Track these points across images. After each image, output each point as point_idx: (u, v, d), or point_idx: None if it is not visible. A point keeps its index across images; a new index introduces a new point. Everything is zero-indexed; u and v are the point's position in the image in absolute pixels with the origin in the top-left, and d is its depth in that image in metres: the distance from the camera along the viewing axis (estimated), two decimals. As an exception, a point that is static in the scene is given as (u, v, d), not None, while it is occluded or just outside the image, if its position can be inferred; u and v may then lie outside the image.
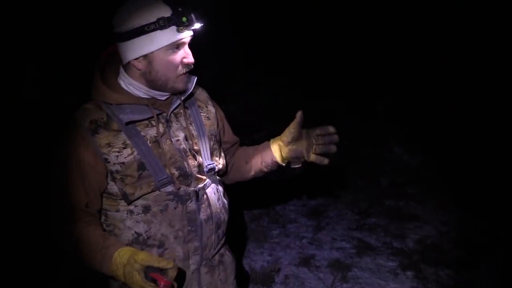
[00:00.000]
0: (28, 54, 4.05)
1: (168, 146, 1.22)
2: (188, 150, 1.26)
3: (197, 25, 1.17)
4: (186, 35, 1.17)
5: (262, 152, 1.47)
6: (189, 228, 1.23)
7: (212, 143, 1.33)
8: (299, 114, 1.35)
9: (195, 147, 1.27)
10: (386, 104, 5.34)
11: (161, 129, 1.22)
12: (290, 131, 1.38)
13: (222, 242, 1.38)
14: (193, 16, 1.15)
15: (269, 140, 1.48)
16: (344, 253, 2.99)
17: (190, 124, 1.29)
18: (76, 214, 1.17)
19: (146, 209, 1.19)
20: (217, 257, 1.37)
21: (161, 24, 1.12)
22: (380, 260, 2.90)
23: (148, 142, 1.19)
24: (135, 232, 1.20)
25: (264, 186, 3.69)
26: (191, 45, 1.22)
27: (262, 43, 5.78)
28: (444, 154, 4.30)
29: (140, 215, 1.19)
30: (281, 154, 1.43)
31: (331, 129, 1.36)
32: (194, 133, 1.29)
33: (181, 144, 1.25)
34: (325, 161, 1.37)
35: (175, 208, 1.21)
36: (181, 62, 1.19)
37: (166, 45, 1.14)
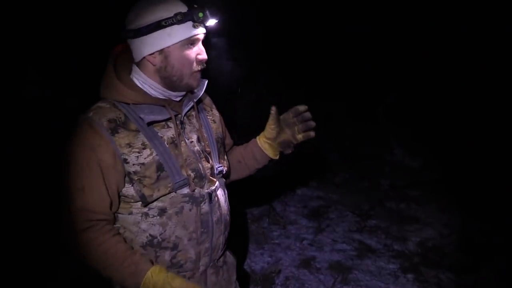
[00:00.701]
0: (28, 55, 4.05)
1: (184, 148, 1.22)
2: (201, 152, 1.27)
3: (212, 22, 1.19)
4: (201, 31, 1.19)
5: (254, 151, 1.48)
6: (202, 230, 1.24)
7: (219, 146, 1.35)
8: (273, 109, 1.38)
9: (207, 149, 1.29)
10: (387, 105, 5.33)
11: (177, 130, 1.22)
12: (271, 127, 1.41)
13: (227, 243, 1.39)
14: (208, 12, 1.16)
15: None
16: (344, 255, 2.98)
17: (202, 126, 1.30)
18: (97, 220, 1.14)
19: (162, 211, 1.19)
20: (222, 258, 1.38)
21: (179, 19, 1.13)
22: (380, 262, 2.89)
23: (165, 143, 1.19)
24: (150, 235, 1.19)
25: (265, 187, 3.68)
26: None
27: (264, 44, 5.77)
28: (445, 156, 4.30)
29: (155, 217, 1.18)
30: (272, 150, 1.46)
31: (301, 108, 1.39)
32: (205, 135, 1.30)
33: (195, 146, 1.26)
34: (312, 134, 1.41)
35: (190, 210, 1.21)
36: (196, 58, 1.20)
37: (182, 40, 1.16)
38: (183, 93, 1.26)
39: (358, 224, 3.38)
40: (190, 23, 1.15)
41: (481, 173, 3.85)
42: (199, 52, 1.20)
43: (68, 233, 1.14)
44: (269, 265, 2.87)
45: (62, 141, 1.18)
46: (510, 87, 4.62)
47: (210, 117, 1.38)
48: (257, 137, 1.48)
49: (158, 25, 1.13)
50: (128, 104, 1.18)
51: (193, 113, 1.29)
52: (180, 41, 1.16)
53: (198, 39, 1.20)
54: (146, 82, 1.20)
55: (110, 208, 1.17)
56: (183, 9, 1.15)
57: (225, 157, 1.40)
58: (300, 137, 1.41)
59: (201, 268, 1.28)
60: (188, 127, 1.26)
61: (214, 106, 1.44)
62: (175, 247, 1.21)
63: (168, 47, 1.16)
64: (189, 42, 1.17)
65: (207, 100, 1.42)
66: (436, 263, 2.84)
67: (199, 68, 1.22)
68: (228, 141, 1.53)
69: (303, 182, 4.03)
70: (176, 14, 1.13)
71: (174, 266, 1.23)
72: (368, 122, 5.16)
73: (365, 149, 4.69)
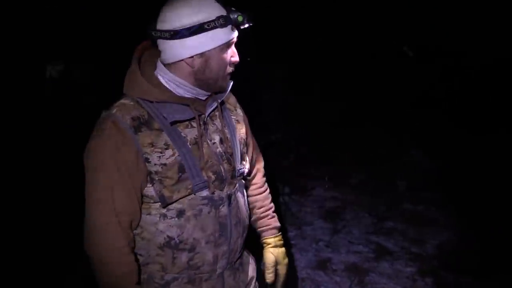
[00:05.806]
0: (48, 53, 4.11)
1: (206, 149, 1.20)
2: (223, 154, 1.24)
3: (249, 25, 1.20)
4: (236, 35, 1.20)
5: (263, 227, 1.58)
6: (220, 232, 1.23)
7: (241, 147, 1.32)
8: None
9: (229, 151, 1.26)
10: (403, 105, 5.27)
11: (201, 131, 1.20)
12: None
13: (244, 244, 1.38)
14: (245, 16, 1.17)
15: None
16: (361, 257, 2.95)
17: (225, 127, 1.28)
18: (125, 228, 1.15)
19: (181, 213, 1.18)
20: (239, 260, 1.37)
21: (222, 23, 1.13)
22: (398, 265, 2.85)
23: (188, 143, 1.17)
24: (168, 236, 1.18)
25: (280, 187, 3.66)
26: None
27: (277, 44, 5.75)
28: (464, 157, 4.22)
29: (173, 219, 1.18)
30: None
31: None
32: (228, 136, 1.28)
33: (218, 148, 1.23)
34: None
35: (208, 212, 1.20)
36: (230, 61, 1.20)
37: (223, 44, 1.16)
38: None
39: (374, 225, 3.34)
40: (230, 26, 1.15)
41: (501, 175, 3.77)
42: (232, 54, 1.20)
43: (89, 242, 1.14)
44: (284, 266, 2.85)
45: (82, 138, 1.17)
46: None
47: (234, 117, 1.35)
48: (265, 244, 1.60)
49: (201, 28, 1.12)
50: (152, 102, 1.16)
51: (217, 113, 1.26)
52: (221, 44, 1.15)
53: (233, 42, 1.20)
54: (172, 81, 1.18)
55: (137, 208, 1.16)
56: (223, 12, 1.15)
57: (247, 158, 1.38)
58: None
59: (218, 271, 1.27)
60: (211, 128, 1.24)
61: (238, 105, 1.41)
62: (192, 249, 1.20)
63: (209, 50, 1.15)
64: (227, 45, 1.17)
65: (232, 100, 1.40)
66: (455, 266, 2.79)
67: (231, 70, 1.22)
68: (253, 144, 1.49)
69: (319, 183, 4.00)
70: (218, 18, 1.12)
71: (191, 268, 1.22)
72: (384, 122, 5.09)
73: (381, 150, 4.63)
